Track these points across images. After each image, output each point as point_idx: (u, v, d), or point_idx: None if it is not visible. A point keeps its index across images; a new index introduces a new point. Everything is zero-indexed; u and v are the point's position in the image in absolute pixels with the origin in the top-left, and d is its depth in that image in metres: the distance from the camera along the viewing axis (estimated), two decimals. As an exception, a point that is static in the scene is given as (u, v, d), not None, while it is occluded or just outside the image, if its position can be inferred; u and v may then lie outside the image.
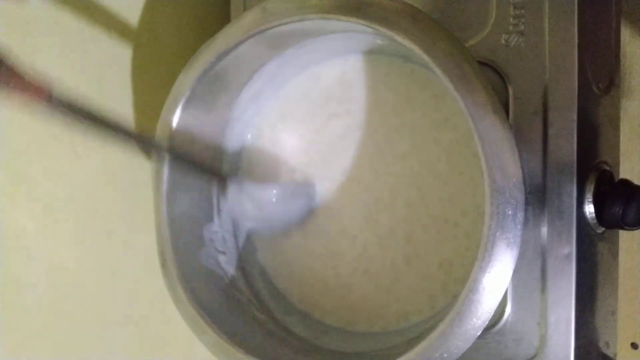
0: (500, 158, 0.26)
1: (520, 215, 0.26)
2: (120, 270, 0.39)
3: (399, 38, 0.27)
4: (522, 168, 0.29)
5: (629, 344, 0.43)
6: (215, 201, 0.38)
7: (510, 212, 0.26)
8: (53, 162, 0.35)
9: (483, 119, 0.26)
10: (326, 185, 0.38)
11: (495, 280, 0.26)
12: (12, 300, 0.32)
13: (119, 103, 0.38)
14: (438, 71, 0.27)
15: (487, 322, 0.27)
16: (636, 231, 0.42)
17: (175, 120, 0.34)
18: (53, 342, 0.35)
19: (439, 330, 0.27)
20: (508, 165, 0.26)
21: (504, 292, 0.27)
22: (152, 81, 0.40)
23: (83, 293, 0.36)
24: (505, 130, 0.26)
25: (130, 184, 0.39)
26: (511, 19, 0.33)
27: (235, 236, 0.39)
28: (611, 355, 0.39)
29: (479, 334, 0.27)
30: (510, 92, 0.34)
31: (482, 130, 0.26)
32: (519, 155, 0.31)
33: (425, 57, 0.27)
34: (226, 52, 0.32)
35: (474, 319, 0.26)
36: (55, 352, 0.35)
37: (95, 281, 0.37)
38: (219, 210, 0.38)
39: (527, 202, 0.33)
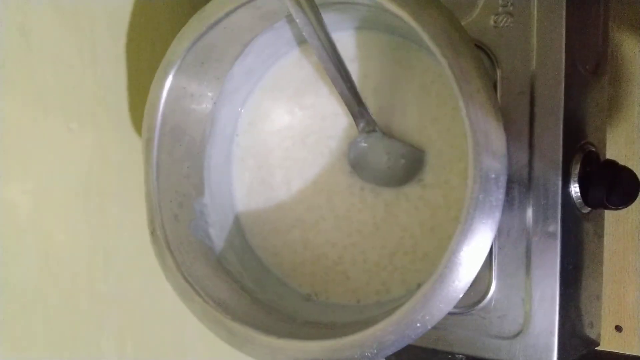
0: (484, 122, 0.26)
1: (503, 179, 0.26)
2: (112, 247, 0.39)
3: (387, 4, 0.27)
4: (508, 141, 0.30)
5: (614, 326, 0.43)
6: (206, 175, 0.38)
7: (493, 176, 0.26)
8: (46, 137, 0.35)
9: (469, 85, 0.26)
10: (316, 162, 0.38)
11: (478, 243, 0.26)
12: (3, 276, 0.32)
13: (113, 78, 0.39)
14: (426, 37, 0.27)
15: (468, 285, 0.27)
16: (621, 216, 0.43)
17: (165, 89, 0.34)
18: (43, 318, 0.35)
19: (421, 292, 0.27)
20: (492, 129, 0.27)
21: (485, 255, 0.27)
22: (146, 57, 0.40)
23: (74, 269, 0.36)
24: (490, 95, 0.27)
25: (124, 161, 0.39)
26: (500, 0, 0.34)
27: (224, 212, 0.39)
28: (594, 336, 0.39)
29: (460, 296, 0.27)
30: (499, 72, 0.34)
31: (466, 94, 0.26)
32: (505, 134, 0.32)
33: (413, 23, 0.27)
34: (217, 22, 0.32)
35: (456, 282, 0.26)
36: (45, 328, 0.35)
37: (87, 258, 0.37)
38: (210, 184, 0.38)
39: (512, 180, 0.33)
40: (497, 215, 0.26)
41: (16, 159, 0.33)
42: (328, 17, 0.32)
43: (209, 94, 0.37)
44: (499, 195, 0.26)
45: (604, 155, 0.39)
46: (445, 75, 0.28)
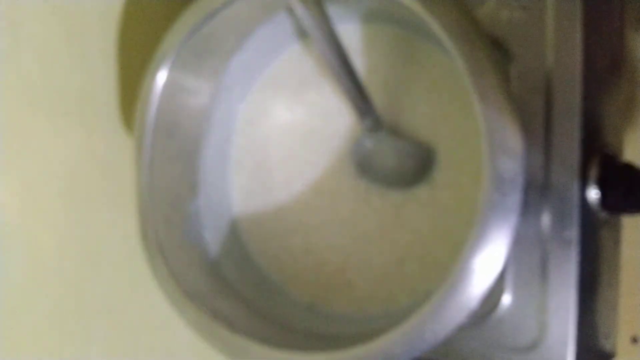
0: (499, 119, 0.25)
1: (519, 180, 0.25)
2: (101, 251, 0.38)
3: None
4: (525, 140, 0.29)
5: (630, 338, 0.42)
6: (201, 176, 0.37)
7: (509, 176, 0.25)
8: (34, 138, 0.34)
9: (483, 78, 0.26)
10: (318, 163, 0.38)
11: (493, 249, 0.25)
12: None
13: (103, 75, 0.38)
14: (436, 27, 0.26)
15: (484, 293, 0.26)
16: (639, 222, 0.42)
17: (159, 83, 0.33)
18: (31, 326, 0.34)
19: (432, 301, 0.26)
20: (508, 127, 0.26)
21: (502, 261, 0.26)
22: (137, 53, 0.39)
23: (62, 275, 0.36)
24: (505, 90, 0.26)
25: (114, 161, 0.39)
26: (514, -6, 0.33)
27: (220, 215, 0.39)
28: (610, 348, 0.38)
29: (475, 305, 0.25)
30: (513, 69, 0.33)
31: (481, 89, 0.25)
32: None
33: (424, 14, 0.26)
34: (214, 12, 0.32)
35: (470, 289, 0.25)
36: (32, 336, 0.34)
37: (76, 262, 0.37)
38: (205, 185, 0.37)
39: (526, 184, 0.32)
40: (514, 219, 0.25)
41: (2, 158, 0.33)
42: (332, 10, 0.31)
43: (205, 89, 0.36)
44: (515, 197, 0.25)
45: (622, 157, 0.38)
46: (457, 70, 0.27)
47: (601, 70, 0.35)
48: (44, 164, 0.35)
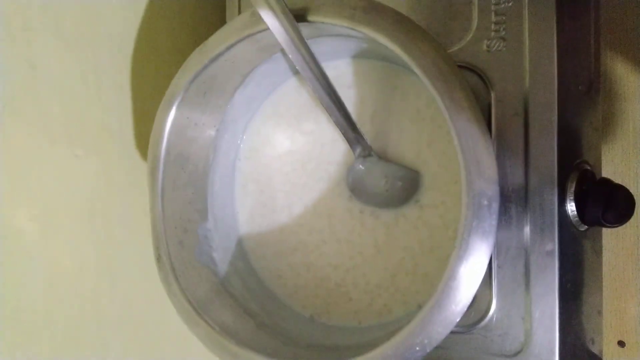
0: (475, 151, 0.27)
1: (495, 206, 0.27)
2: (118, 271, 0.39)
3: (382, 40, 0.28)
4: (502, 165, 0.30)
5: (616, 341, 0.43)
6: (209, 201, 0.39)
7: (485, 203, 0.27)
8: (52, 164, 0.36)
9: (460, 115, 0.27)
10: (316, 187, 0.39)
11: (473, 268, 0.27)
12: (11, 301, 0.33)
13: (117, 106, 0.40)
14: (417, 70, 0.28)
15: (465, 309, 0.27)
16: (620, 231, 0.43)
17: (169, 120, 0.35)
18: (51, 342, 0.35)
19: (419, 317, 0.27)
20: (483, 158, 0.27)
21: (481, 279, 0.28)
22: (149, 85, 0.41)
23: (81, 294, 0.37)
24: (480, 124, 0.27)
25: (129, 186, 0.40)
26: (493, 25, 0.35)
27: (228, 236, 0.40)
28: (597, 352, 0.39)
29: (457, 320, 0.27)
30: (493, 95, 0.35)
31: (458, 125, 0.27)
32: (501, 156, 0.33)
33: (406, 58, 0.28)
34: (218, 55, 0.33)
35: (453, 306, 0.27)
36: (53, 352, 0.35)
37: (94, 282, 0.38)
38: (213, 210, 0.39)
39: (509, 200, 0.34)
40: (491, 240, 0.27)
41: (23, 186, 0.34)
42: (325, 46, 0.33)
43: (212, 123, 0.38)
44: (492, 221, 0.27)
45: (600, 173, 0.39)
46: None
47: (577, 91, 0.36)
48: (62, 191, 0.36)
